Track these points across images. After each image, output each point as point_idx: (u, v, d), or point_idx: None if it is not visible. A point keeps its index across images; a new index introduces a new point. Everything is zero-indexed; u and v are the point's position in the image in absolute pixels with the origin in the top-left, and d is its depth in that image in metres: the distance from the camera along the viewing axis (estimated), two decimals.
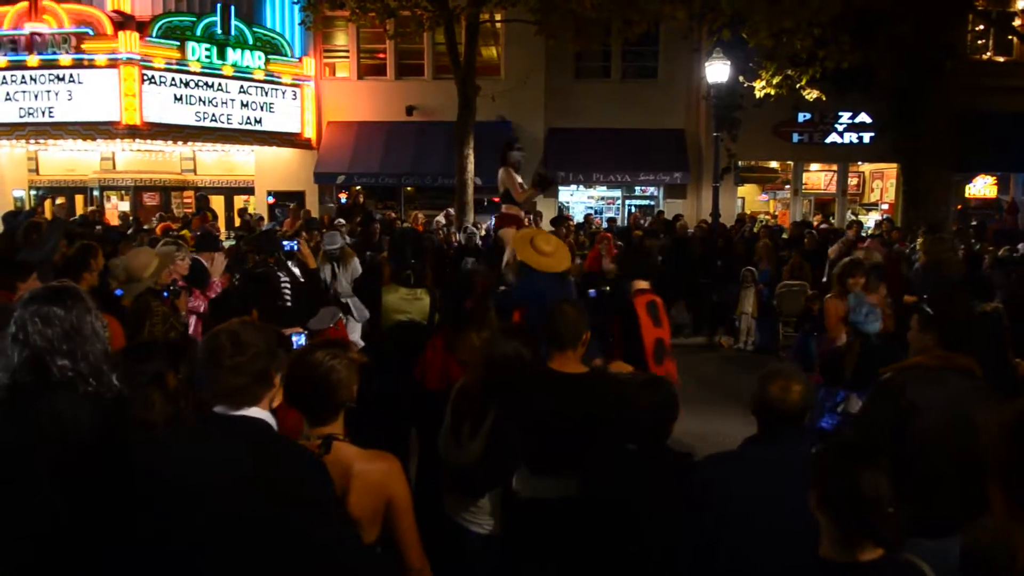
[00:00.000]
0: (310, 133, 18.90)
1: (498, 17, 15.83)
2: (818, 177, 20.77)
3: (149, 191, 19.08)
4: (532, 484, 3.29)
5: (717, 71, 14.21)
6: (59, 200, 18.23)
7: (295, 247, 5.98)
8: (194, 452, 2.08)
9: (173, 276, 5.30)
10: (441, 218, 14.39)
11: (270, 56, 17.88)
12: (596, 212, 20.83)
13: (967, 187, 19.93)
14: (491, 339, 3.44)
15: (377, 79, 19.56)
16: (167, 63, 16.47)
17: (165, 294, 4.95)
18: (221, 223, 16.39)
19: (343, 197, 19.28)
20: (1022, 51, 17.65)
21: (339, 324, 6.86)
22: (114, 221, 15.00)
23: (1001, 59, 18.73)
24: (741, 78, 14.50)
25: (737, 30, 12.90)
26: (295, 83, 18.42)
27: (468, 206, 14.91)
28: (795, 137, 19.12)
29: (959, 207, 19.53)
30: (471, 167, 14.91)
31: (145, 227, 12.24)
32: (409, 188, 19.73)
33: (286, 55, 18.29)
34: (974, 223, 16.32)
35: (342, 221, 11.83)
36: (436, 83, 18.74)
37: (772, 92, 13.94)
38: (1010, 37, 16.20)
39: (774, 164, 20.78)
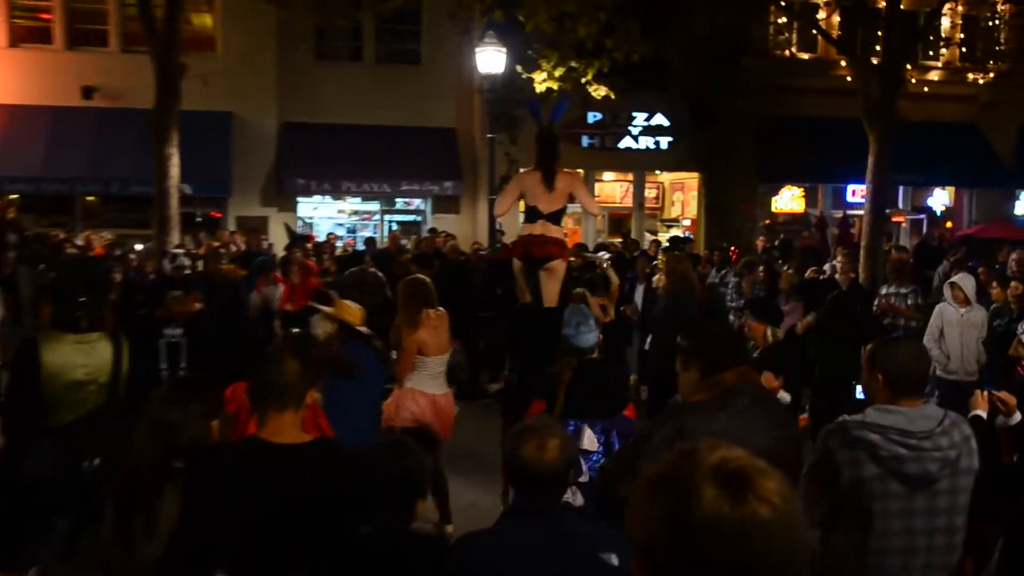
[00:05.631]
0: None
1: None
2: (612, 188, 22.38)
3: None
4: None
5: (490, 59, 14.89)
6: None
7: None
8: None
9: None
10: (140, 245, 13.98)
11: None
12: (350, 231, 20.86)
13: (773, 200, 22.44)
14: (158, 400, 3.39)
15: (39, 48, 18.57)
16: None
17: None
18: None
19: None
20: (827, 48, 20.11)
21: None
22: None
23: (805, 56, 21.35)
24: (519, 68, 15.30)
25: (512, 11, 13.66)
26: None
27: (172, 222, 14.32)
28: (584, 140, 20.47)
29: (767, 222, 21.96)
30: (175, 171, 14.36)
31: None
32: (90, 198, 18.83)
33: None
34: (779, 239, 18.42)
35: None
36: (125, 57, 18.09)
37: (555, 87, 14.84)
38: (814, 32, 18.50)
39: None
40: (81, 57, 18.53)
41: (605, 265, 10.47)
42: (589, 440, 4.83)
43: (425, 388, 6.50)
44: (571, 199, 7.85)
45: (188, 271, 11.05)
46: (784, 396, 6.19)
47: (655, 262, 11.73)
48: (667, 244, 14.98)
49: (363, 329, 6.31)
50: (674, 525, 1.37)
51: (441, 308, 6.79)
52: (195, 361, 8.06)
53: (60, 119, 17.98)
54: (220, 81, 16.95)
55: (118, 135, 17.54)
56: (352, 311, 6.32)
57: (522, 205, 7.63)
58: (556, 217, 7.35)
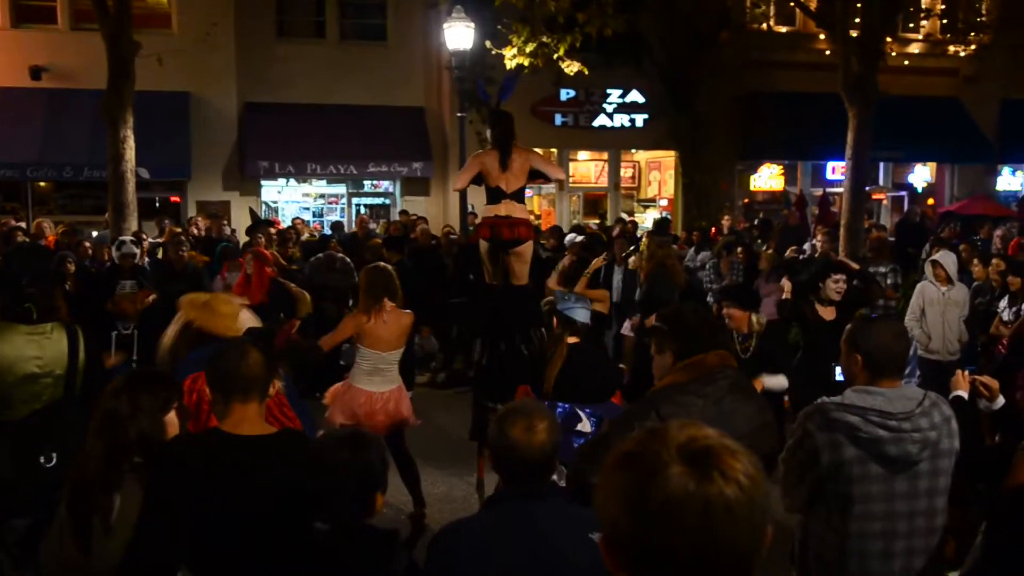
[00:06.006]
0: None
1: None
2: (587, 168, 22.40)
3: None
4: None
5: (458, 35, 14.84)
6: None
7: None
8: None
9: None
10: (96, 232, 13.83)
11: None
12: (316, 215, 20.82)
13: (751, 178, 22.58)
14: (108, 394, 3.38)
15: None
16: None
17: None
18: None
19: None
20: (805, 21, 20.21)
21: None
22: None
23: (783, 30, 21.42)
24: (488, 44, 15.27)
25: None
26: None
27: (128, 208, 14.18)
28: (558, 119, 20.48)
29: (746, 201, 22.10)
30: (131, 154, 14.21)
31: None
32: (42, 184, 18.66)
33: None
34: (759, 218, 18.54)
35: None
36: (75, 36, 17.84)
37: (526, 63, 14.81)
38: (791, 4, 18.57)
39: (536, 151, 22.05)
40: (28, 35, 18.30)
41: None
42: (583, 423, 4.88)
43: (363, 384, 6.34)
44: (541, 176, 7.90)
45: (148, 259, 10.95)
46: (781, 380, 6.28)
47: (639, 241, 11.77)
48: (652, 228, 15.00)
49: (233, 335, 4.69)
50: (639, 503, 1.36)
51: (408, 311, 6.55)
52: (148, 354, 8.00)
53: (8, 101, 17.77)
54: (177, 60, 16.70)
55: (70, 117, 17.38)
56: (224, 309, 4.95)
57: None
58: (519, 195, 7.40)
